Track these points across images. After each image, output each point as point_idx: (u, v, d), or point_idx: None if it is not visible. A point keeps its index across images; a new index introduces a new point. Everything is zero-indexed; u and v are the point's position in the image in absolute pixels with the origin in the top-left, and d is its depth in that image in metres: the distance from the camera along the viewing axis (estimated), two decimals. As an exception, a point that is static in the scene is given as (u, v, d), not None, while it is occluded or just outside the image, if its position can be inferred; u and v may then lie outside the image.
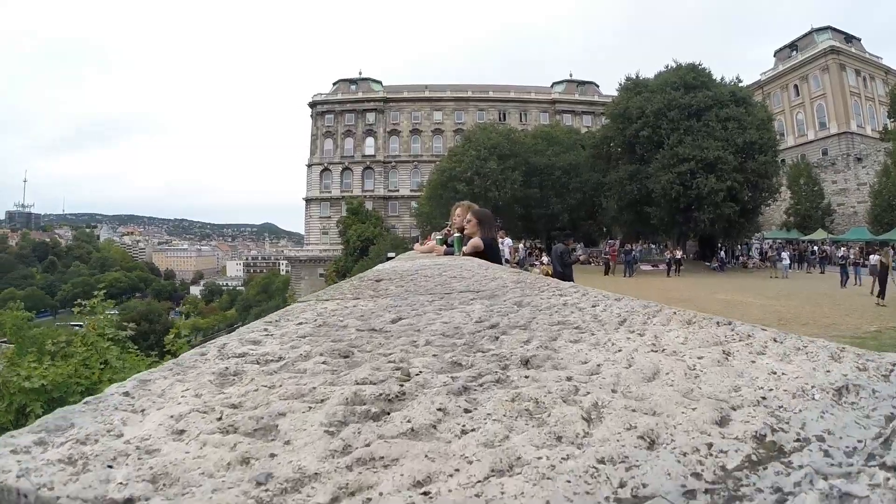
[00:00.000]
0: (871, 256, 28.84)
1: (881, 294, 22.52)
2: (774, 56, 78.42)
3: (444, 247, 7.19)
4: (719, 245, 44.33)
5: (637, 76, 45.18)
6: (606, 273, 36.62)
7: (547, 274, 20.45)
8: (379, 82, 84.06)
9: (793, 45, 75.23)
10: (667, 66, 44.70)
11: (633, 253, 38.91)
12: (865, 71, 70.31)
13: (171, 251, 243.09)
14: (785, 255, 37.71)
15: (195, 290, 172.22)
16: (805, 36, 73.44)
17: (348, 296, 2.13)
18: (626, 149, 41.84)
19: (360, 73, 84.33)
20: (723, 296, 24.66)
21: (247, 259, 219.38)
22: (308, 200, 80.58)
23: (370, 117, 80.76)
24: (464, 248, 6.73)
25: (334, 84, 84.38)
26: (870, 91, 69.63)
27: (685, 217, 38.82)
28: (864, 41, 74.75)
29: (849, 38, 72.47)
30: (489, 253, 6.07)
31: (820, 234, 46.99)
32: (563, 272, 17.31)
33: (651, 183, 38.91)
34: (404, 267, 4.16)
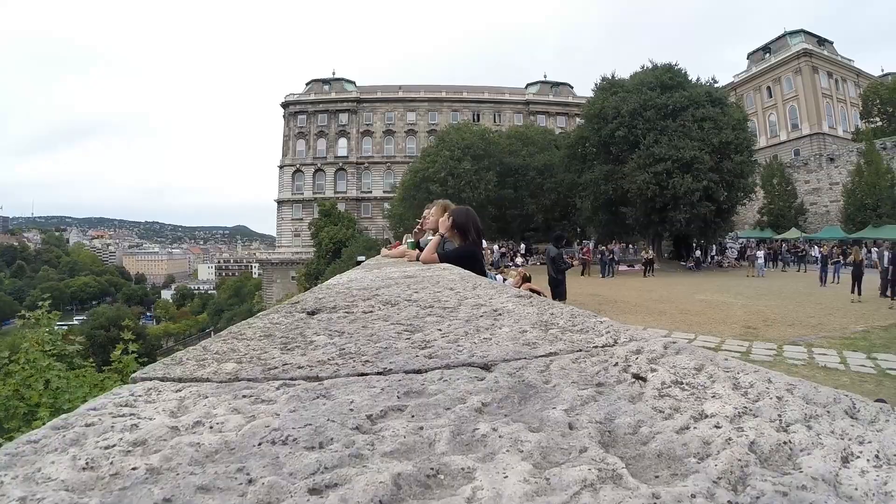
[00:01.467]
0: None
1: (858, 291, 22.76)
2: (748, 58, 78.97)
3: (417, 251, 6.12)
4: (695, 244, 44.19)
5: (613, 76, 44.84)
6: (583, 274, 36.06)
7: (523, 278, 19.76)
8: (352, 82, 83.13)
9: (766, 48, 75.82)
10: (643, 67, 44.42)
11: (613, 253, 38.50)
12: (837, 73, 71.06)
13: (141, 254, 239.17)
14: (760, 254, 37.79)
15: (166, 294, 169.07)
16: (778, 39, 74.05)
17: (226, 362, 1.27)
18: (602, 149, 41.44)
19: (334, 74, 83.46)
20: (702, 296, 24.34)
21: (219, 262, 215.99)
22: (280, 202, 79.42)
23: (343, 118, 79.85)
24: (413, 252, 5.89)
25: (307, 84, 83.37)
26: (841, 93, 70.42)
27: (661, 217, 38.61)
28: (837, 44, 75.60)
29: (821, 42, 73.23)
30: (469, 262, 4.91)
31: (793, 233, 47.36)
32: (556, 278, 16.49)
33: (627, 183, 38.62)
34: (364, 281, 3.39)
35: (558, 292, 16.12)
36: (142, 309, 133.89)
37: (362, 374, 1.12)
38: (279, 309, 2.22)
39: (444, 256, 5.10)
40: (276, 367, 1.20)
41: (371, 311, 2.04)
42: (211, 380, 1.12)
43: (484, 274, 4.96)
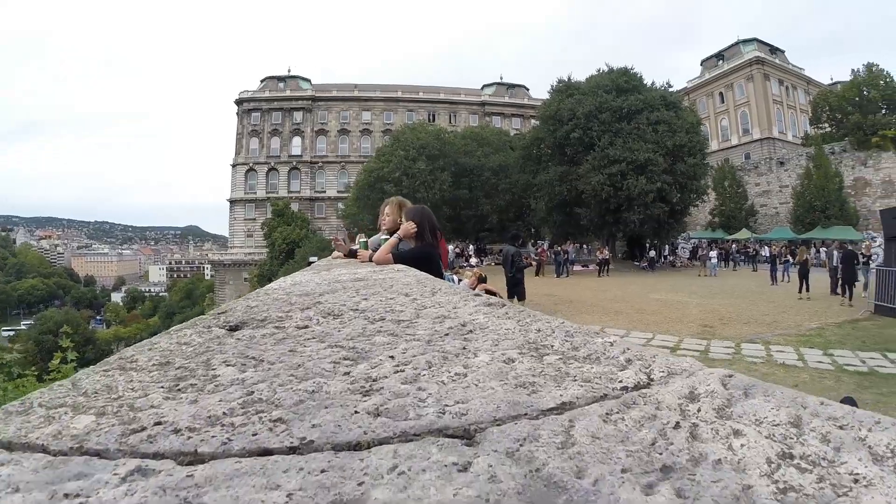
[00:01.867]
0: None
1: (807, 289, 23.15)
2: (701, 65, 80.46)
3: (370, 251, 5.50)
4: (648, 245, 44.57)
5: (569, 79, 44.97)
6: (537, 274, 35.81)
7: (479, 278, 19.35)
8: (308, 80, 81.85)
9: (719, 55, 77.37)
10: (599, 70, 44.69)
11: (568, 254, 38.41)
12: (788, 81, 72.94)
13: (91, 256, 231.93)
14: (713, 254, 38.40)
15: (117, 297, 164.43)
16: (732, 46, 75.70)
17: (84, 413, 0.83)
18: (557, 150, 41.47)
19: (289, 71, 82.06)
20: (658, 295, 24.42)
21: (170, 263, 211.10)
22: (232, 202, 77.59)
23: (298, 116, 78.62)
24: (365, 252, 5.33)
25: (262, 81, 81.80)
26: (792, 100, 72.30)
27: (615, 218, 38.85)
28: (788, 53, 77.53)
29: (773, 50, 75.06)
30: (426, 263, 4.37)
31: (744, 234, 48.45)
32: (515, 277, 16.33)
33: (581, 184, 38.72)
34: (308, 285, 2.88)
35: (517, 291, 16.11)
36: (91, 312, 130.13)
37: (265, 453, 0.68)
38: (197, 322, 1.76)
39: (399, 257, 4.65)
40: (144, 429, 0.76)
41: (307, 326, 1.60)
42: (47, 449, 0.70)
43: (441, 276, 4.46)
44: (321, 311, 1.86)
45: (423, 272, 3.62)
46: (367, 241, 5.99)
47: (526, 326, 1.38)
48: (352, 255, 6.24)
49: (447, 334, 1.34)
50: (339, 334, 1.42)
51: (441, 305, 1.89)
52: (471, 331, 1.39)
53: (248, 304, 2.11)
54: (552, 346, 1.16)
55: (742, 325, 16.51)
